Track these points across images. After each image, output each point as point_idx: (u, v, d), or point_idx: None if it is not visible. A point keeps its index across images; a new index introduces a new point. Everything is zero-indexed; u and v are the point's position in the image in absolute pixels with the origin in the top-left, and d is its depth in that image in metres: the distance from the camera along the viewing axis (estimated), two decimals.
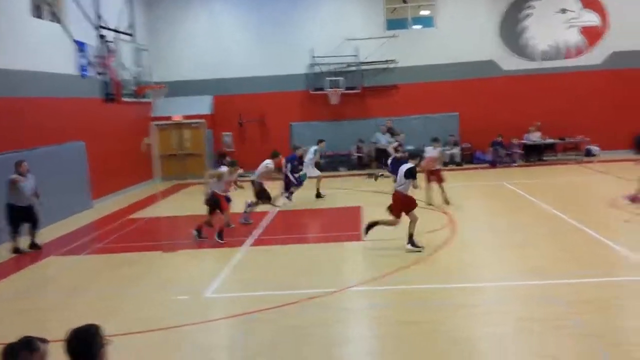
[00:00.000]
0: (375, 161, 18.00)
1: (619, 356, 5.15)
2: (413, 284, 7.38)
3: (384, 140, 17.43)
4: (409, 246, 8.86)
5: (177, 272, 8.68)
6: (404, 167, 9.08)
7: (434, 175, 12.55)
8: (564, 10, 19.65)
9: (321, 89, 19.65)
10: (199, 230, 10.46)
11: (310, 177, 14.22)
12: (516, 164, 18.84)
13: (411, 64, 19.86)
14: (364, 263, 8.80)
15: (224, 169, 10.89)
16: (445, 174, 13.09)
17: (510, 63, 19.90)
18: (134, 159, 18.08)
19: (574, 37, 19.74)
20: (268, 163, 12.41)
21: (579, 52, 19.74)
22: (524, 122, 19.16)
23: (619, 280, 7.28)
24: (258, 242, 10.30)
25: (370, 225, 9.35)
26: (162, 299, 7.39)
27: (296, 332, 6.01)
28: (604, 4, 19.43)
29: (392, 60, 19.86)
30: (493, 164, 18.89)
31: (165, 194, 17.25)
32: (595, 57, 19.59)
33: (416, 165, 9.25)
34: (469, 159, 19.71)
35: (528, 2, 19.76)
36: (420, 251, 8.78)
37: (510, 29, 19.85)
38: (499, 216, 11.58)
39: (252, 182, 12.31)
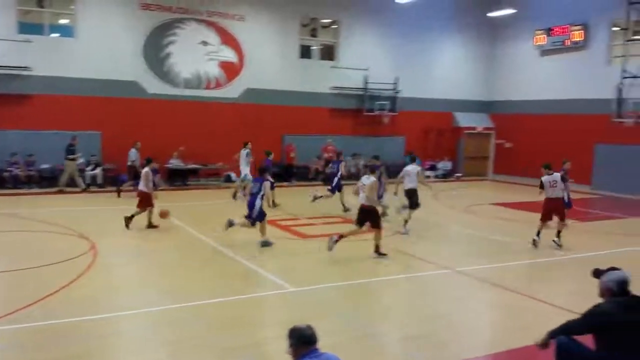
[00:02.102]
0: None
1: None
2: (51, 319, 6.47)
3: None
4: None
5: None
6: None
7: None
8: (205, 43, 20.80)
9: None
10: None
11: None
12: (161, 188, 18.88)
13: (50, 74, 18.03)
14: None
15: None
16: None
17: (155, 87, 19.99)
18: None
19: (213, 70, 21.07)
20: None
21: (218, 84, 21.21)
22: (169, 146, 19.42)
23: (256, 296, 7.88)
24: None
25: None
26: None
27: None
28: (240, 43, 21.45)
29: (26, 67, 17.66)
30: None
31: None
32: (233, 90, 21.38)
33: None
34: (112, 180, 18.84)
35: (172, 29, 20.21)
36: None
37: (155, 52, 19.95)
38: (142, 240, 11.33)
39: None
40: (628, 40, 19.62)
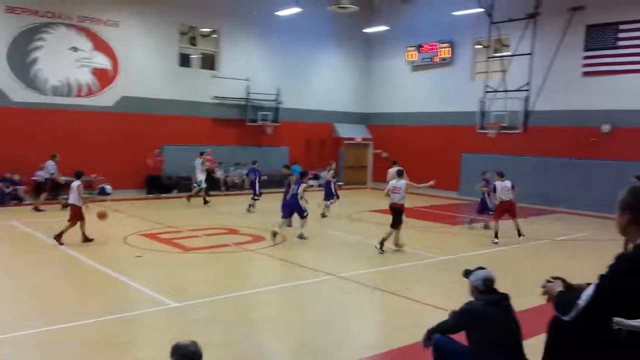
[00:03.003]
0: None
1: None
2: None
3: None
4: None
5: None
6: None
7: None
8: (75, 49, 19.60)
9: None
10: None
11: None
12: (26, 202, 17.46)
13: None
14: None
15: None
16: None
17: (21, 94, 18.49)
18: None
19: (85, 77, 19.91)
20: None
21: (90, 92, 20.06)
22: (37, 157, 17.93)
23: (136, 314, 7.50)
24: None
25: None
26: None
27: None
28: (115, 50, 20.47)
29: None
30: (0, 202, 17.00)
31: None
32: (107, 99, 20.32)
33: None
34: None
35: (39, 34, 18.84)
36: None
37: (20, 58, 18.48)
38: (10, 258, 10.39)
39: None
40: (489, 58, 21.39)
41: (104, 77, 20.34)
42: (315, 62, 25.93)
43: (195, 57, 23.56)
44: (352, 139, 27.19)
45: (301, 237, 12.75)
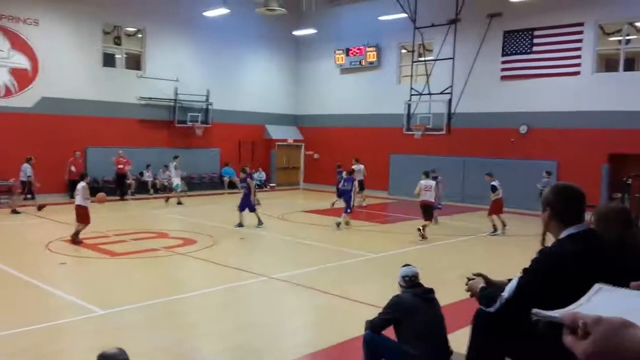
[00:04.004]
0: None
1: None
2: None
3: None
4: None
5: None
6: None
7: None
8: None
9: None
10: None
11: None
12: None
13: None
14: None
15: None
16: None
17: None
18: None
19: (3, 77, 18.93)
20: None
21: (8, 93, 19.07)
22: None
23: (60, 323, 7.24)
24: None
25: None
26: None
27: None
28: (35, 50, 19.54)
29: None
30: None
31: None
32: (26, 100, 19.37)
33: None
34: None
35: None
36: None
37: None
38: None
39: None
40: (414, 62, 22.10)
41: (23, 78, 19.38)
42: (245, 63, 25.81)
43: (120, 57, 22.86)
44: (284, 140, 27.26)
45: (347, 223, 14.94)
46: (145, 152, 22.03)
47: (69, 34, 20.45)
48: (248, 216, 14.75)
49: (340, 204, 16.04)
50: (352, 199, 15.45)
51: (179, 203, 19.23)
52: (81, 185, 12.19)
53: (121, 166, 20.34)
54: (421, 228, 13.34)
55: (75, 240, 11.91)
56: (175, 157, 19.74)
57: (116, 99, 21.56)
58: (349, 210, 15.00)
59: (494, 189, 14.69)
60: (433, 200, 13.81)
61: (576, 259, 2.99)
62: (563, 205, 3.13)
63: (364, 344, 5.03)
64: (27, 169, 17.41)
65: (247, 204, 14.69)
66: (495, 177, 15.06)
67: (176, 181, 19.37)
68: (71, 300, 8.13)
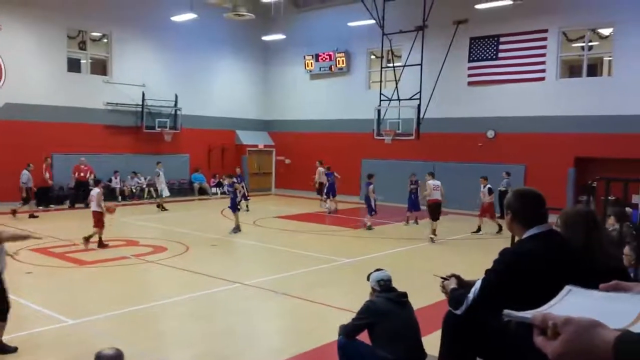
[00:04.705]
0: None
1: None
2: None
3: None
4: None
5: None
6: None
7: None
8: None
9: None
10: None
11: None
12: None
13: None
14: None
15: None
16: None
17: None
18: None
19: None
20: None
21: None
22: None
23: (27, 334, 7.06)
24: None
25: None
26: None
27: None
28: (1, 55, 19.11)
29: None
30: None
31: None
32: None
33: None
34: None
35: None
36: None
37: None
38: None
39: None
40: (383, 67, 22.29)
41: None
42: (214, 68, 25.65)
43: (85, 62, 22.47)
44: (255, 145, 27.16)
45: (369, 228, 15.72)
46: (112, 158, 21.68)
47: (33, 39, 20.00)
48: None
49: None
50: (373, 201, 16.16)
51: (164, 209, 19.37)
52: (96, 191, 12.65)
53: (82, 174, 19.94)
54: (433, 232, 14.04)
55: (101, 244, 12.39)
56: (158, 163, 19.79)
57: (82, 104, 21.16)
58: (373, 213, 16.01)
59: (490, 191, 15.35)
60: (442, 200, 14.51)
61: (533, 257, 3.10)
62: (522, 208, 3.28)
63: (339, 349, 5.05)
64: (24, 176, 17.57)
65: (233, 205, 15.11)
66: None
67: (161, 187, 19.52)
68: (39, 311, 7.94)
